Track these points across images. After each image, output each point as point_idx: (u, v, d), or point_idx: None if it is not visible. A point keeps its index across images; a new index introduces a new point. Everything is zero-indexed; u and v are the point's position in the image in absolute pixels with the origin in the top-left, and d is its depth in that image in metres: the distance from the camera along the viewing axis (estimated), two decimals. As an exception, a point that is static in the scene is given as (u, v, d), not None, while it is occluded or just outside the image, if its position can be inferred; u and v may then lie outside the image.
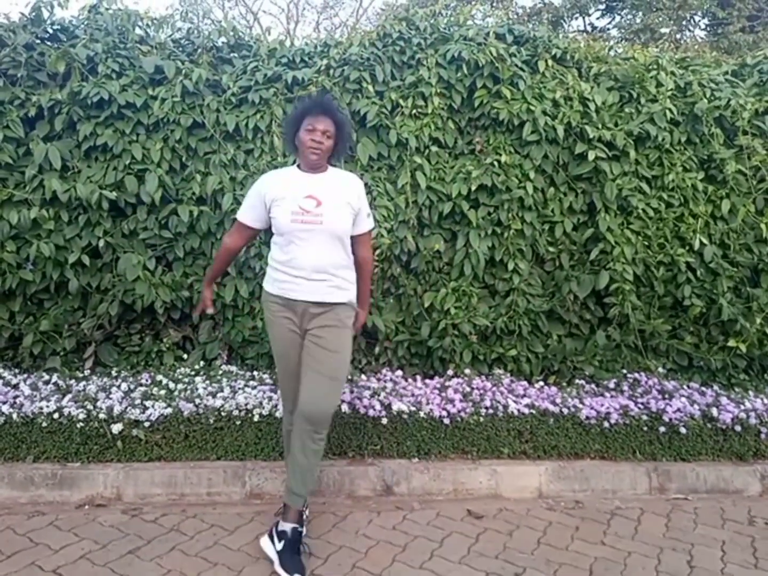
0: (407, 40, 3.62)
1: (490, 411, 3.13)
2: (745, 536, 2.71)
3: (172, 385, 3.16)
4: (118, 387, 3.11)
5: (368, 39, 3.63)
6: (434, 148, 3.54)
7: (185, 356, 3.51)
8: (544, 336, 3.62)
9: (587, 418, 3.17)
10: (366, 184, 3.28)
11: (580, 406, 3.21)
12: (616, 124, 3.60)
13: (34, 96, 3.34)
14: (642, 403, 3.29)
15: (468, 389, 3.26)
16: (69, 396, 3.01)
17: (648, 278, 3.65)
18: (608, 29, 13.21)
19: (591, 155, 3.46)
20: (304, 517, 2.43)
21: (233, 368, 3.40)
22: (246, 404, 2.99)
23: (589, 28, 13.42)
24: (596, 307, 3.66)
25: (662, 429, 3.19)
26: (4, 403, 2.96)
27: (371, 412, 3.02)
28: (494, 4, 12.05)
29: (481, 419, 3.10)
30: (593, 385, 3.50)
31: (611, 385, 3.48)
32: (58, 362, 3.37)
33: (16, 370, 3.38)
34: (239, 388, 3.14)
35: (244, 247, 2.72)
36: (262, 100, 3.47)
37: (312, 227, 2.29)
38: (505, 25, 3.76)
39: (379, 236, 3.33)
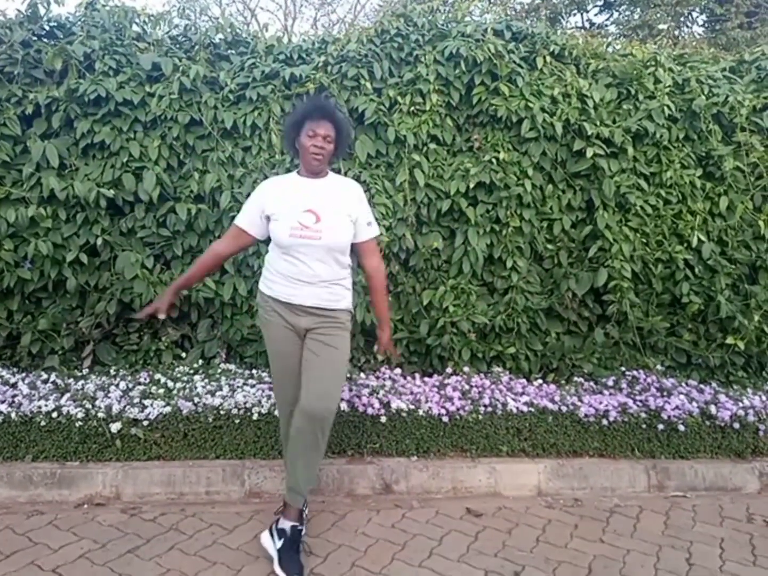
0: (405, 36, 3.60)
1: (489, 409, 3.13)
2: (743, 534, 2.71)
3: (170, 383, 3.15)
4: (117, 386, 3.11)
5: (366, 35, 3.61)
6: (432, 146, 3.54)
7: (184, 355, 3.50)
8: (543, 334, 3.63)
9: (586, 415, 3.17)
10: (364, 182, 3.28)
11: (579, 403, 3.22)
12: (614, 121, 3.60)
13: (31, 93, 3.32)
14: (640, 401, 3.30)
15: (467, 387, 3.26)
16: (67, 395, 3.01)
17: (646, 275, 3.65)
18: (606, 25, 13.21)
19: (589, 152, 3.45)
20: (304, 515, 2.43)
21: (232, 367, 3.39)
22: (245, 403, 2.99)
23: (587, 25, 13.41)
24: (595, 304, 3.66)
25: (661, 426, 3.20)
26: (3, 402, 2.95)
27: (370, 411, 3.02)
28: (492, 1, 12.03)
29: (480, 417, 3.10)
30: (592, 383, 3.50)
31: (610, 382, 3.49)
32: (56, 361, 3.37)
33: (15, 369, 3.37)
34: (238, 387, 3.14)
35: (232, 255, 2.67)
36: (260, 97, 3.46)
37: (310, 242, 2.28)
38: (503, 21, 3.75)
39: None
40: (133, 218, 3.40)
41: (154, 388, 3.10)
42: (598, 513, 2.85)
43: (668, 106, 3.55)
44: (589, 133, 3.45)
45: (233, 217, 3.32)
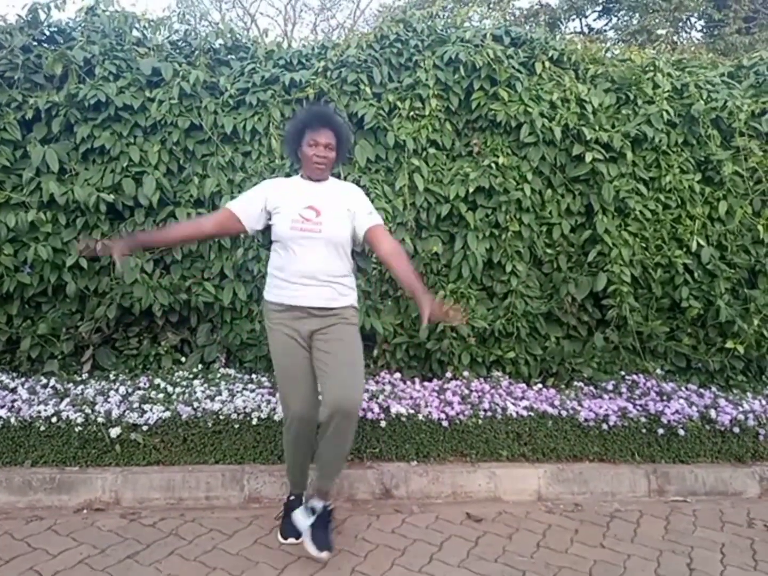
0: (404, 42, 3.61)
1: (489, 413, 3.13)
2: (744, 538, 2.71)
3: (170, 388, 3.15)
4: (116, 390, 3.10)
5: (365, 41, 3.63)
6: (432, 150, 3.54)
7: (183, 359, 3.50)
8: (543, 338, 3.63)
9: (586, 420, 3.17)
10: (364, 187, 3.28)
11: (579, 408, 3.21)
12: (613, 126, 3.61)
13: (31, 98, 3.33)
14: (640, 405, 3.29)
15: (466, 392, 3.25)
16: (67, 400, 3.00)
17: (646, 280, 3.65)
18: (605, 31, 13.25)
19: (588, 157, 3.46)
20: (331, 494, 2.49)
21: (231, 371, 3.39)
22: (244, 407, 2.99)
23: (586, 30, 13.45)
24: (594, 309, 3.66)
25: (661, 431, 3.19)
26: (2, 407, 2.95)
27: (370, 415, 3.01)
28: (491, 6, 12.06)
29: (480, 422, 3.10)
30: (591, 387, 3.50)
31: (609, 387, 3.48)
32: (55, 366, 3.36)
33: (14, 374, 3.37)
34: (237, 392, 3.13)
35: (213, 238, 2.64)
36: (260, 102, 3.47)
37: (311, 235, 2.31)
38: (502, 26, 3.76)
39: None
40: (132, 223, 3.40)
41: (153, 392, 3.09)
42: (598, 518, 2.85)
43: (667, 111, 3.56)
44: (588, 138, 3.46)
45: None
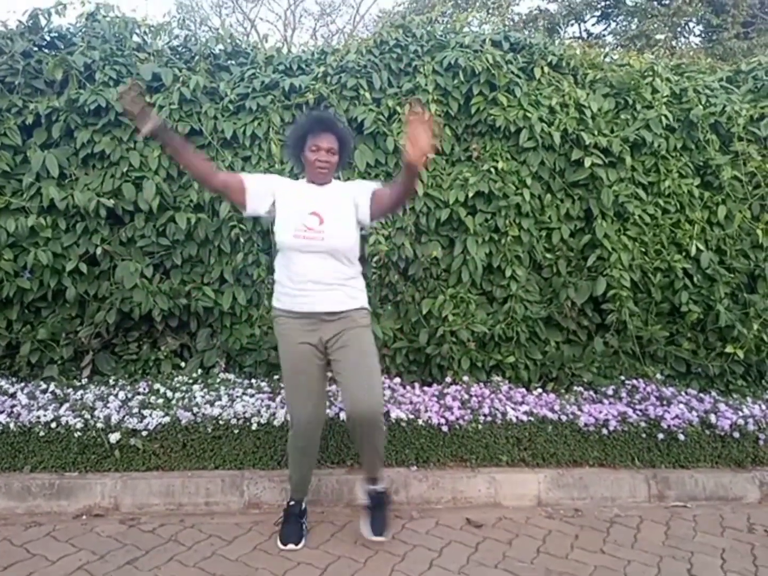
0: (404, 47, 3.62)
1: (489, 418, 3.12)
2: (744, 544, 2.70)
3: (169, 393, 3.14)
4: (116, 396, 3.10)
5: (365, 46, 3.63)
6: (431, 155, 3.54)
7: (183, 364, 3.49)
8: (542, 343, 3.62)
9: (586, 425, 3.17)
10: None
11: (579, 413, 3.21)
12: (612, 131, 3.62)
13: (32, 103, 3.34)
14: (640, 410, 3.29)
15: (466, 396, 3.25)
16: (66, 405, 3.00)
17: (645, 284, 3.65)
18: (604, 36, 13.30)
19: (587, 162, 3.47)
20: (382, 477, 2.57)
21: (231, 376, 3.38)
22: (244, 413, 2.98)
23: (584, 35, 13.50)
24: (594, 313, 3.66)
25: (661, 436, 3.19)
26: (1, 412, 2.95)
27: (370, 420, 3.00)
28: (490, 12, 12.10)
29: (480, 427, 3.09)
30: (591, 392, 3.50)
31: (609, 391, 3.48)
32: (55, 371, 3.36)
33: (14, 379, 3.36)
34: (237, 397, 3.13)
35: (212, 188, 2.46)
36: (260, 108, 3.48)
37: (314, 243, 2.31)
38: (501, 32, 3.77)
39: (376, 243, 3.34)
40: (132, 228, 3.40)
41: (153, 398, 3.09)
42: (598, 523, 2.84)
43: (666, 116, 3.57)
44: (587, 143, 3.47)
45: (233, 227, 3.38)
